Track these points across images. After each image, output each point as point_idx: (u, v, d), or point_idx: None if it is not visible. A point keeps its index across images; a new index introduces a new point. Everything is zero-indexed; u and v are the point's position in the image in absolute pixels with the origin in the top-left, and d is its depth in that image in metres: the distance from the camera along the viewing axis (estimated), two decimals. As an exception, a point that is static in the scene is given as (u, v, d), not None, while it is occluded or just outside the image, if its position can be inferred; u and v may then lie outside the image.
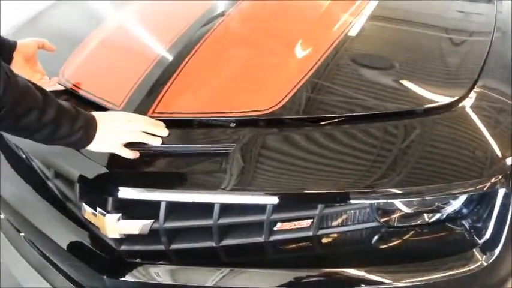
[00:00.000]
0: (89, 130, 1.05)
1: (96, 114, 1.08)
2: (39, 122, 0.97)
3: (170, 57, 1.30)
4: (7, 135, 1.39)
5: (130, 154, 1.08)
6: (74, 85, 1.31)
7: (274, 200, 1.02)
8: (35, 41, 1.30)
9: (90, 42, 1.47)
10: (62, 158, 1.18)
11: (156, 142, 1.10)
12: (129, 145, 1.10)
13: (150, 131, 1.11)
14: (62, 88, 1.32)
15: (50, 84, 1.30)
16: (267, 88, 1.22)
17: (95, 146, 1.07)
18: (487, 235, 1.03)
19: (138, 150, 1.09)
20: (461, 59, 1.37)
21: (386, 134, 1.09)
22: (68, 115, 1.02)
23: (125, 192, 1.05)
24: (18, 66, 1.23)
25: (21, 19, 1.82)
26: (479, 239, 1.04)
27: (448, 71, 1.33)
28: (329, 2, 1.57)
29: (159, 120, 1.13)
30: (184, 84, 1.23)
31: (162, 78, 1.23)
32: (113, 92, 1.25)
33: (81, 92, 1.29)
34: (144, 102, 1.18)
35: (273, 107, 1.15)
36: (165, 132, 1.12)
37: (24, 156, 1.41)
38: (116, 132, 1.08)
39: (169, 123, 1.14)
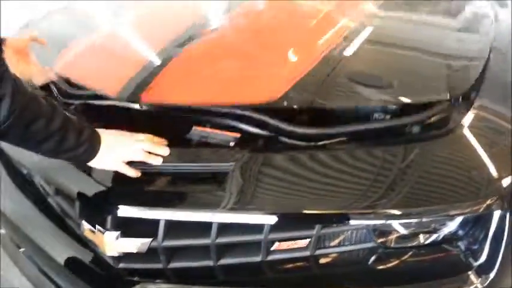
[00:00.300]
0: (94, 143, 1.06)
1: (99, 130, 1.09)
2: (47, 129, 0.98)
3: (166, 52, 1.39)
4: (9, 151, 1.41)
5: (133, 173, 1.10)
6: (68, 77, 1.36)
7: (272, 219, 1.02)
8: (27, 34, 1.32)
9: (84, 45, 1.53)
10: (63, 175, 1.19)
11: (157, 161, 1.11)
12: (130, 163, 1.11)
13: (152, 150, 1.12)
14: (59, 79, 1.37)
15: (48, 75, 1.33)
16: (265, 82, 1.28)
17: (98, 162, 1.08)
18: (483, 258, 1.04)
19: (139, 169, 1.10)
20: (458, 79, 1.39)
21: (385, 155, 1.10)
22: (74, 126, 1.03)
23: (125, 210, 1.07)
24: (9, 58, 1.22)
25: (21, 19, 1.85)
26: (475, 262, 1.04)
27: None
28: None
29: (151, 106, 1.21)
30: (175, 76, 1.30)
31: (156, 70, 1.31)
32: (108, 83, 1.30)
33: (78, 82, 1.33)
34: (136, 89, 1.24)
35: (271, 98, 1.20)
36: (166, 151, 1.13)
37: (25, 172, 1.42)
38: (119, 150, 1.10)
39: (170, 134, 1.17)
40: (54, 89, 1.37)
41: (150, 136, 1.14)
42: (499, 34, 1.64)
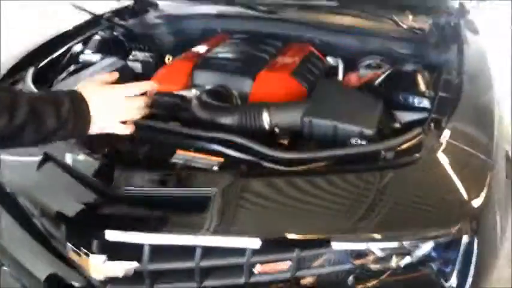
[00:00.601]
0: (80, 113, 1.01)
1: (83, 92, 1.04)
2: (13, 124, 0.92)
3: None
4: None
5: (130, 130, 1.11)
6: None
7: (254, 243, 1.06)
8: None
9: None
10: (48, 196, 1.21)
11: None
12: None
13: (139, 91, 1.13)
14: None
15: None
16: None
17: (93, 130, 1.06)
18: (453, 280, 1.08)
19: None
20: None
21: (361, 181, 1.15)
22: (48, 105, 0.96)
23: (109, 234, 1.09)
24: None
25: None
26: (446, 283, 1.09)
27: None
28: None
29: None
30: None
31: None
32: None
33: None
34: None
35: None
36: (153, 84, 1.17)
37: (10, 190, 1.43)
38: (112, 112, 1.07)
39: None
40: None
41: (136, 85, 1.14)
42: (470, 57, 1.71)
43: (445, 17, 1.81)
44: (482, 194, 1.14)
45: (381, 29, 1.84)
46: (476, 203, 1.12)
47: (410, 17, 1.96)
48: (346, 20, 1.91)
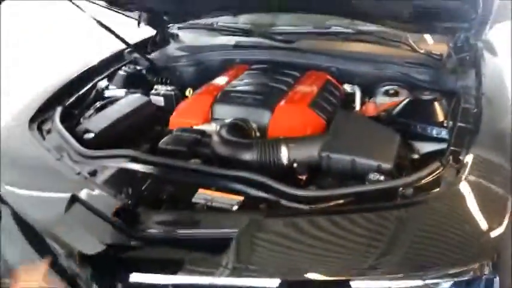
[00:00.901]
0: None
1: None
2: None
3: None
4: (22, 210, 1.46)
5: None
6: None
7: (274, 283, 1.08)
8: None
9: None
10: (75, 238, 1.25)
11: None
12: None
13: None
14: None
15: None
16: None
17: None
18: None
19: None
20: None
21: (379, 219, 1.15)
22: None
23: (133, 276, 1.12)
24: None
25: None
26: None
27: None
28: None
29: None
30: None
31: None
32: None
33: None
34: None
35: None
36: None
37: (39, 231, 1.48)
38: None
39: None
40: None
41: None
42: (488, 81, 1.69)
43: (463, 33, 1.78)
44: (502, 228, 1.13)
45: (397, 55, 1.85)
46: (497, 238, 1.10)
47: (429, 38, 1.97)
48: (363, 47, 1.92)
